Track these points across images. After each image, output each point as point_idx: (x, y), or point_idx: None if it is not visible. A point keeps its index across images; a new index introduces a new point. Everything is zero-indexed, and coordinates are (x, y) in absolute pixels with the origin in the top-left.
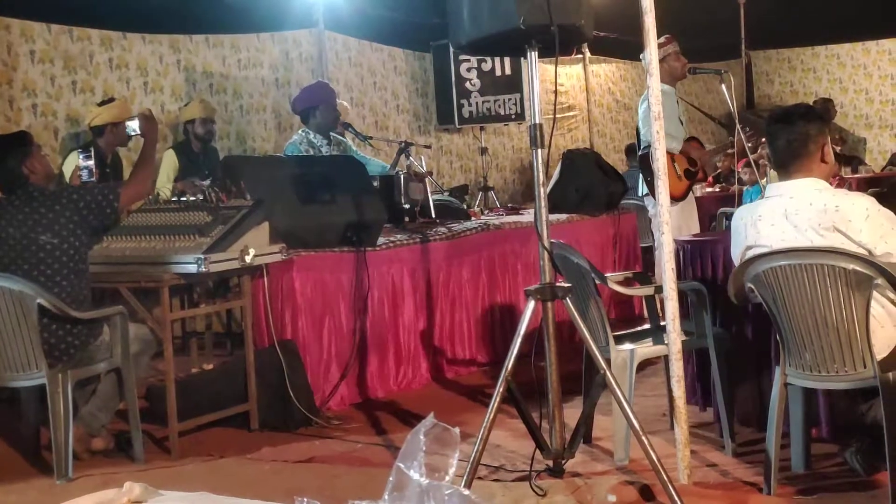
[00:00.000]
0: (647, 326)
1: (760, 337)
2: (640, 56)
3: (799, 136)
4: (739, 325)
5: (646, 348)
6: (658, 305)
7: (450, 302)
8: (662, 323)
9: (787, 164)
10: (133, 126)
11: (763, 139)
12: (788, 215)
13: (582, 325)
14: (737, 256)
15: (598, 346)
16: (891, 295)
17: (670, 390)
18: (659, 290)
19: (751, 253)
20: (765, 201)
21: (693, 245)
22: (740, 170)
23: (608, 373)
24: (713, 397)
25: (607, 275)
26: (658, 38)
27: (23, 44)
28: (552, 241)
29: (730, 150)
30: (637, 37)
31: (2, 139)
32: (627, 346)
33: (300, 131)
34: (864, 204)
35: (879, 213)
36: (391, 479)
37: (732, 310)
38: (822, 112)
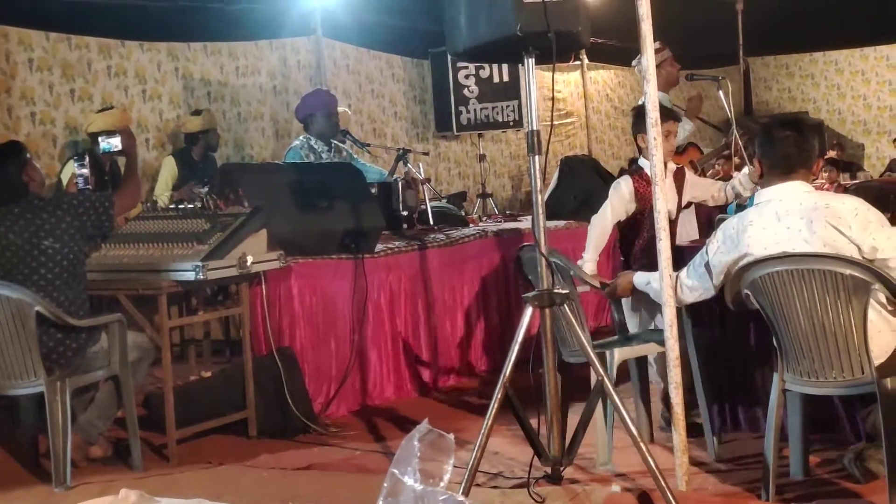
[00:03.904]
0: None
1: (762, 342)
2: (633, 63)
3: (810, 148)
4: (742, 329)
5: (625, 349)
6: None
7: (448, 309)
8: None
9: (789, 168)
10: (114, 143)
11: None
12: (780, 217)
13: (579, 331)
14: (723, 263)
15: (571, 350)
16: (884, 300)
17: (667, 397)
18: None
19: (740, 260)
20: (753, 208)
21: (692, 251)
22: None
23: (606, 379)
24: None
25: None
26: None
27: (21, 52)
28: (525, 245)
29: (725, 152)
30: (634, 43)
31: None
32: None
33: (301, 137)
34: (853, 203)
35: (868, 211)
36: (385, 484)
37: (734, 315)
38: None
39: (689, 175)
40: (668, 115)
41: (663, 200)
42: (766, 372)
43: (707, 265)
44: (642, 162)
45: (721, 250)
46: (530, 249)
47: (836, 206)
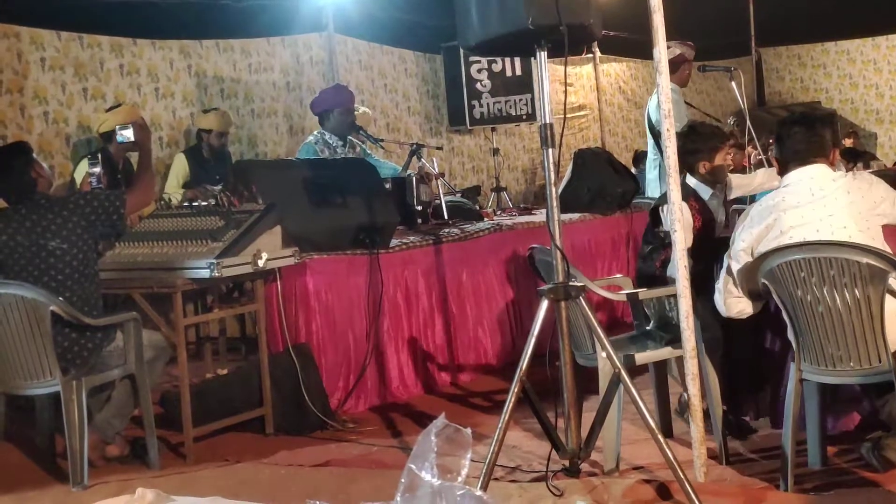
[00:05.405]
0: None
1: (779, 334)
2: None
3: (819, 139)
4: (759, 321)
5: (638, 355)
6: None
7: (464, 303)
8: (648, 328)
9: (803, 161)
10: (127, 134)
11: (771, 140)
12: (814, 191)
13: (595, 324)
14: (753, 235)
15: (583, 353)
16: None
17: (685, 388)
18: (633, 297)
19: (772, 238)
20: (784, 188)
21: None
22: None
23: (623, 372)
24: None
25: (595, 281)
26: (677, 39)
27: (33, 51)
28: (535, 245)
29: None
30: (647, 35)
31: (4, 150)
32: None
33: (316, 132)
34: (883, 183)
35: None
36: (403, 480)
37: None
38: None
39: (731, 180)
40: (725, 137)
41: (677, 191)
42: (784, 364)
43: (732, 264)
44: (692, 182)
45: (748, 224)
46: (540, 251)
47: (867, 178)
